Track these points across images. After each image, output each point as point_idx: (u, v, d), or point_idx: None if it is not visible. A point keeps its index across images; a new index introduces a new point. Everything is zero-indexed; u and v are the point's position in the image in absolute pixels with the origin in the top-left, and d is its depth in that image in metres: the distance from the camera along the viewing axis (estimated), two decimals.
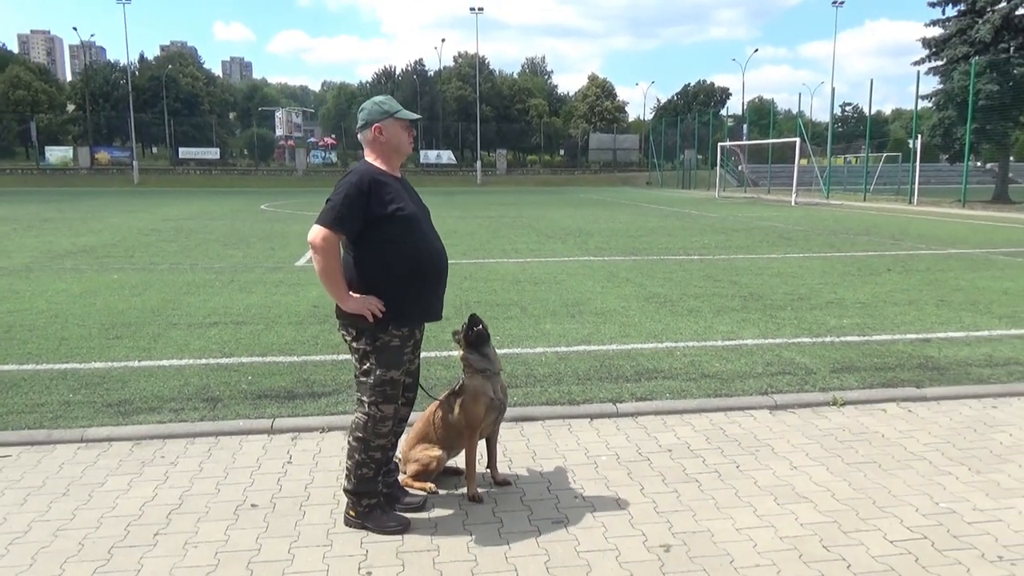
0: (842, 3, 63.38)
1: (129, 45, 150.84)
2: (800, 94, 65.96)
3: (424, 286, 3.40)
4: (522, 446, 4.35)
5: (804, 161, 47.75)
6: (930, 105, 33.76)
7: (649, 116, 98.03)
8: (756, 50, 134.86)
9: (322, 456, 4.20)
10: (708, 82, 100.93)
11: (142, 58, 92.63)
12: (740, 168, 55.49)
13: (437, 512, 3.54)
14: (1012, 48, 29.53)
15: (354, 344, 3.31)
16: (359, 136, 3.43)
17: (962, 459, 4.11)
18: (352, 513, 3.38)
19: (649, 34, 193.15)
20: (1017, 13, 29.67)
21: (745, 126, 60.78)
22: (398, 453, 3.80)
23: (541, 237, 16.89)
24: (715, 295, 9.11)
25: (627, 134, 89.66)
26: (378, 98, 3.44)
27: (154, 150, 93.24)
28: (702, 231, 18.78)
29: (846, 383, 5.45)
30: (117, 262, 12.30)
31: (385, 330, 3.27)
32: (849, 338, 6.85)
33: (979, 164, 52.76)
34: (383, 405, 3.32)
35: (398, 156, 3.45)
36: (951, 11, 32.52)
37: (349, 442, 3.38)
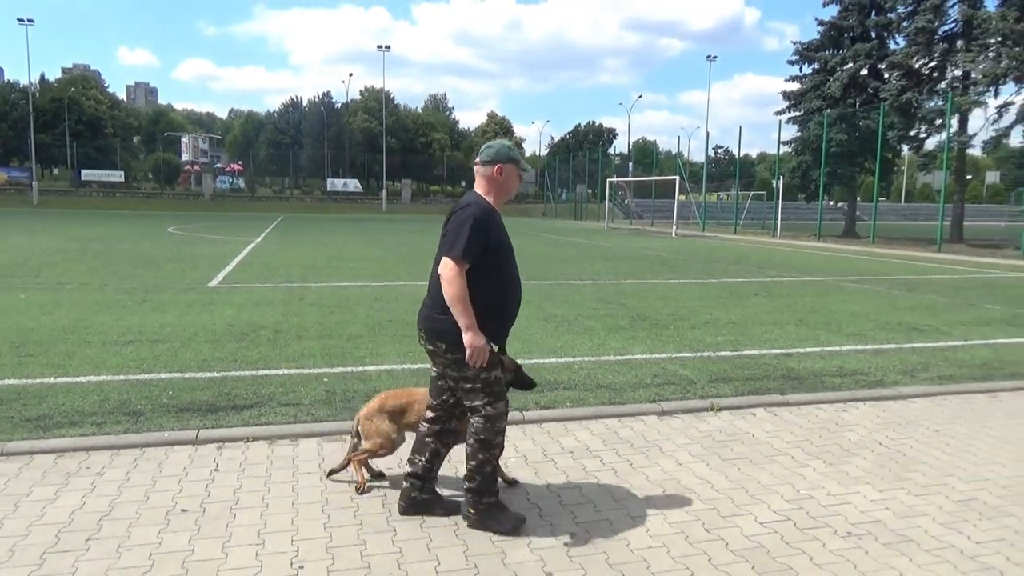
0: (715, 58, 67.31)
1: (31, 66, 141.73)
2: (679, 137, 69.60)
3: (510, 310, 3.55)
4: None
5: (683, 197, 49.90)
6: (790, 150, 36.08)
7: (544, 152, 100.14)
8: (640, 96, 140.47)
9: (248, 463, 4.20)
10: (597, 123, 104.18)
11: (43, 79, 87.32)
12: (627, 202, 57.42)
13: (366, 512, 3.62)
14: (857, 103, 32.03)
15: (450, 356, 3.33)
16: (479, 168, 3.52)
17: (818, 454, 4.53)
18: (472, 510, 3.43)
19: (543, 77, 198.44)
20: (861, 73, 32.25)
21: (631, 164, 63.10)
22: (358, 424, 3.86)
23: None
24: (607, 316, 9.50)
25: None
26: (507, 142, 3.60)
27: (55, 171, 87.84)
28: (593, 258, 19.40)
29: (722, 391, 5.86)
30: (23, 281, 11.63)
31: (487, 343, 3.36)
32: (723, 353, 7.33)
33: (832, 203, 56.52)
34: (496, 403, 3.39)
35: (505, 196, 3.58)
36: (807, 69, 34.97)
37: (470, 444, 3.40)
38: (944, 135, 27.50)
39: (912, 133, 30.34)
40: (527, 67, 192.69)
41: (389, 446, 3.87)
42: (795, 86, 35.17)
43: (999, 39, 25.01)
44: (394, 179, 79.46)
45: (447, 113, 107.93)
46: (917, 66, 30.08)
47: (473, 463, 3.41)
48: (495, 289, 3.40)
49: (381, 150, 70.59)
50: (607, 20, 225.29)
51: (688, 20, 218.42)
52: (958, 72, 28.32)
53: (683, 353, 7.28)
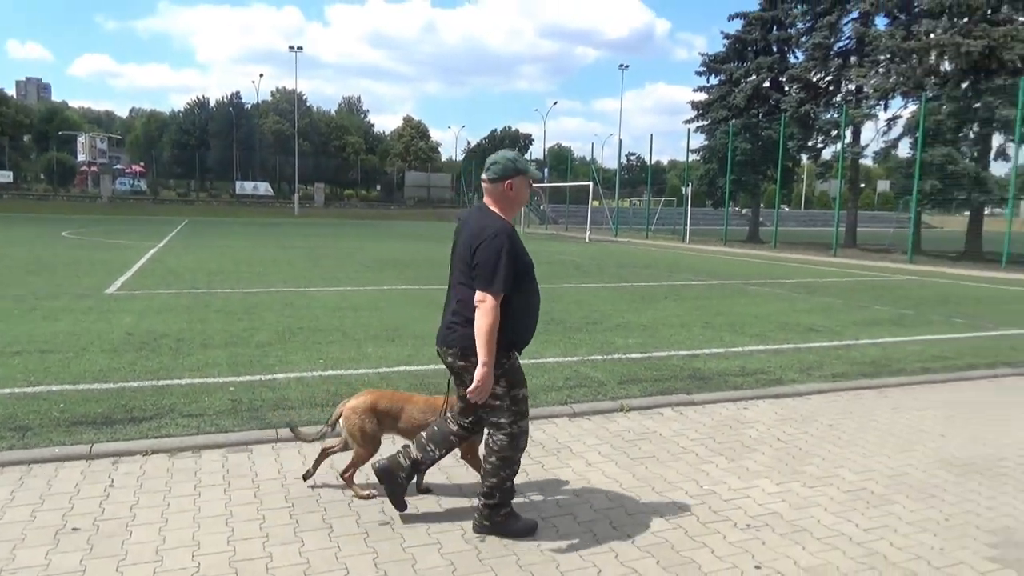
0: (627, 67, 68.82)
1: None
2: (592, 143, 70.65)
3: (534, 319, 3.50)
4: (347, 459, 4.40)
5: (597, 203, 50.94)
6: (698, 158, 37.42)
7: (461, 157, 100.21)
8: (555, 103, 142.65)
9: (147, 478, 4.03)
10: (514, 128, 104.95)
11: None
12: (542, 207, 58.08)
13: (272, 523, 3.54)
14: (760, 114, 33.50)
15: (472, 368, 3.27)
16: (487, 185, 3.47)
17: (720, 450, 4.71)
18: (488, 523, 3.40)
19: (459, 82, 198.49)
20: (764, 86, 33.74)
21: (546, 170, 63.91)
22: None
23: (360, 267, 16.80)
24: None
25: (441, 173, 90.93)
26: (510, 154, 3.50)
27: None
28: None
29: (631, 392, 6.01)
30: None
31: (508, 356, 3.35)
32: (633, 355, 7.52)
33: (737, 209, 58.79)
34: (521, 421, 3.41)
35: (518, 208, 3.55)
36: (714, 80, 36.37)
37: (491, 461, 3.38)
38: (839, 146, 29.10)
39: (810, 143, 31.98)
40: (443, 71, 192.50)
41: (374, 451, 3.78)
42: (703, 96, 36.53)
43: (888, 56, 26.67)
44: (307, 183, 77.75)
45: (362, 116, 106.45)
46: (815, 80, 31.70)
47: (494, 480, 3.39)
48: (522, 306, 3.39)
49: (293, 153, 68.97)
50: (524, 27, 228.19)
51: (603, 29, 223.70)
52: (852, 86, 30.02)
53: (595, 356, 7.42)
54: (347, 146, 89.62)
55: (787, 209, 75.04)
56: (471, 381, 3.26)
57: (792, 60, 33.78)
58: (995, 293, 14.89)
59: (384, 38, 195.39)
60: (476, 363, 3.24)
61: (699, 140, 37.03)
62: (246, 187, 74.85)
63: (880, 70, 27.38)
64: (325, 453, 3.96)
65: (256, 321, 8.85)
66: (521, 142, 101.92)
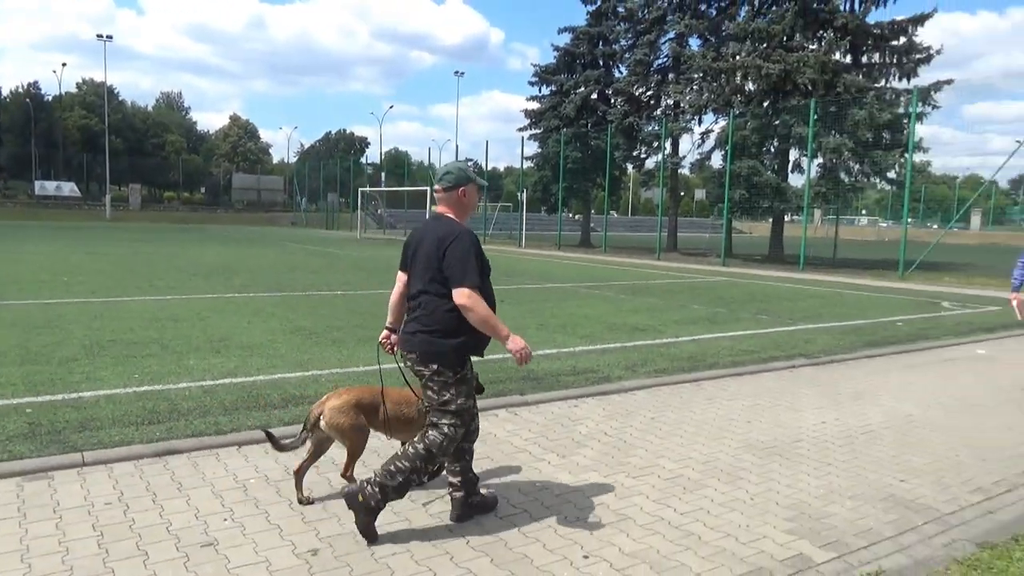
0: (463, 74, 69.56)
1: None
2: (430, 148, 70.71)
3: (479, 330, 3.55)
4: (166, 479, 4.12)
5: (435, 208, 50.89)
6: (532, 165, 38.57)
7: (293, 159, 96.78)
8: (392, 106, 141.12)
9: None
10: (349, 131, 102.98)
11: None
12: (379, 212, 57.36)
13: (78, 555, 3.23)
14: (589, 124, 35.11)
15: (437, 377, 3.48)
16: (441, 194, 3.67)
17: (552, 448, 4.88)
18: (362, 497, 3.40)
19: (291, 81, 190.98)
20: (592, 97, 35.39)
21: (383, 174, 63.13)
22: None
23: (182, 274, 15.75)
24: (358, 326, 9.42)
25: (271, 175, 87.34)
26: (460, 164, 3.76)
27: None
28: (345, 269, 19.12)
29: None
30: None
31: (464, 365, 3.54)
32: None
33: (570, 215, 61.16)
34: (459, 428, 3.55)
35: (470, 214, 3.78)
36: (546, 90, 37.68)
37: (417, 451, 3.47)
38: (660, 156, 31.10)
39: (635, 153, 33.95)
40: (273, 69, 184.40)
41: (365, 442, 3.89)
42: (535, 105, 37.71)
43: (701, 75, 28.86)
44: (121, 184, 71.84)
45: (183, 113, 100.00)
46: (637, 94, 33.69)
47: (406, 464, 3.46)
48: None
49: (104, 150, 63.37)
50: (358, 28, 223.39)
51: (438, 35, 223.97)
52: (670, 101, 32.20)
53: None
54: (167, 144, 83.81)
55: (616, 215, 79.09)
56: (425, 385, 3.55)
57: (617, 74, 35.73)
58: (794, 292, 16.53)
59: (208, 31, 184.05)
60: (433, 369, 3.49)
61: (533, 148, 38.20)
62: (48, 187, 67.88)
63: (694, 87, 29.59)
64: (300, 472, 3.91)
65: (59, 335, 8.05)
66: (357, 145, 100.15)
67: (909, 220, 24.30)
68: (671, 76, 32.13)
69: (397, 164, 71.58)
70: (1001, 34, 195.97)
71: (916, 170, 23.55)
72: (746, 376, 7.31)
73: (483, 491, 3.86)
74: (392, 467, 3.45)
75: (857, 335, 10.15)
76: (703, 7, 30.63)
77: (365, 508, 3.41)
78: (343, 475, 3.97)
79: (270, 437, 3.92)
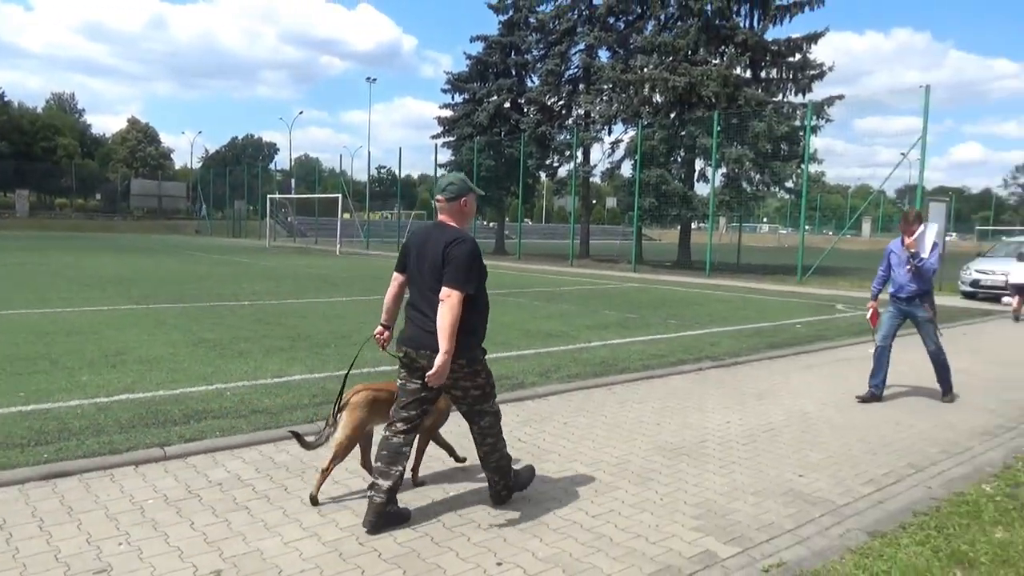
0: (375, 80, 68.79)
1: None
2: (341, 155, 69.55)
3: (486, 323, 3.99)
4: (54, 503, 3.87)
5: (347, 215, 50.23)
6: (446, 173, 38.46)
7: (197, 165, 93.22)
8: (301, 112, 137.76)
9: None
10: (257, 136, 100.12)
11: None
12: (289, 219, 55.99)
13: None
14: (503, 132, 35.32)
15: (467, 370, 3.80)
16: (444, 204, 3.89)
17: (466, 456, 4.86)
18: (505, 492, 4.02)
19: (194, 84, 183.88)
20: (505, 106, 35.65)
21: (293, 181, 61.66)
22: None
23: (76, 285, 14.89)
24: (265, 337, 9.14)
25: (174, 181, 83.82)
26: (460, 175, 3.98)
27: None
28: (253, 278, 18.54)
29: None
30: None
31: (479, 359, 3.88)
32: (383, 368, 7.46)
33: (485, 223, 61.33)
34: (495, 401, 4.03)
35: (469, 222, 4.04)
36: (459, 98, 37.70)
37: (488, 443, 3.94)
38: (572, 165, 31.62)
39: (548, 162, 34.39)
40: (175, 72, 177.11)
41: (354, 445, 4.03)
42: (448, 113, 37.66)
43: (610, 86, 29.54)
44: (6, 189, 67.37)
45: (76, 116, 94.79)
46: (549, 103, 34.16)
47: (498, 454, 3.95)
48: (482, 307, 3.89)
49: None
50: (265, 31, 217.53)
51: (349, 40, 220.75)
52: (581, 111, 32.80)
53: (343, 371, 7.26)
54: (58, 148, 79.16)
55: (530, 223, 79.81)
56: (453, 380, 3.76)
57: (529, 84, 36.14)
58: (701, 296, 17.10)
59: (103, 30, 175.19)
60: (460, 364, 3.72)
61: (447, 155, 38.10)
62: None
63: (604, 98, 30.25)
64: (325, 473, 4.00)
65: None
66: (265, 151, 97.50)
67: (806, 227, 25.55)
68: (582, 87, 32.77)
69: (308, 171, 70.07)
70: (886, 53, 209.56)
71: (812, 180, 24.82)
72: (656, 379, 7.50)
73: (397, 504, 3.82)
74: (494, 466, 3.97)
75: (760, 337, 10.58)
76: (612, 20, 31.37)
77: (499, 497, 4.01)
78: (323, 470, 3.98)
79: (297, 437, 4.04)
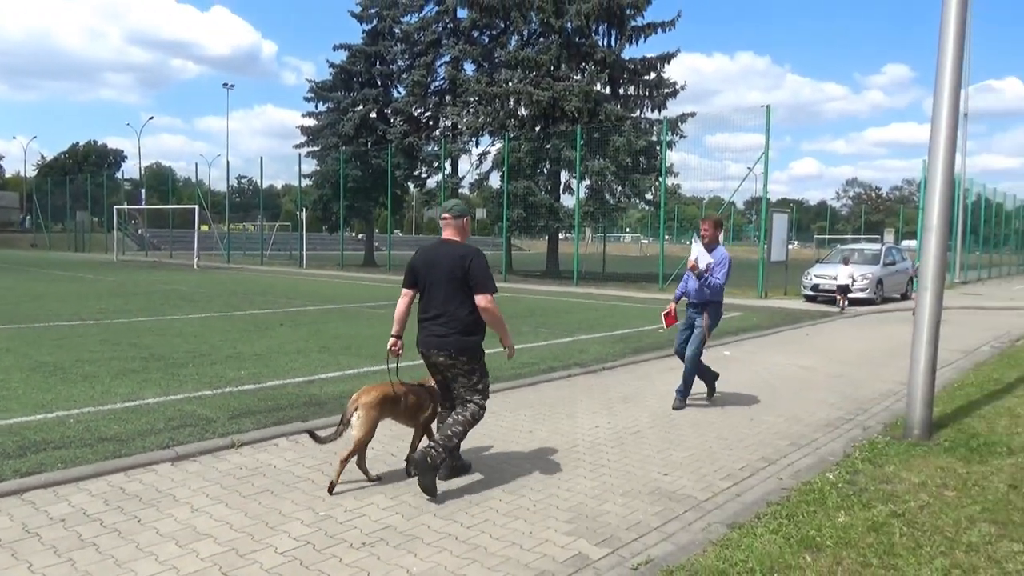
0: (233, 86, 65.83)
1: None
2: (197, 164, 65.87)
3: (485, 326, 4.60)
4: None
5: (205, 227, 47.73)
6: (311, 183, 37.38)
7: (32, 173, 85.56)
8: (151, 117, 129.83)
9: None
10: (101, 143, 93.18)
11: None
12: (140, 232, 52.50)
13: None
14: (369, 143, 34.81)
15: (467, 366, 4.50)
16: (451, 221, 4.62)
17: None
18: (429, 460, 4.28)
19: (27, 85, 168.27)
20: (371, 116, 35.17)
21: (143, 191, 57.77)
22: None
23: None
24: (113, 358, 8.50)
25: (5, 191, 76.51)
26: (459, 199, 4.49)
27: None
28: (99, 295, 17.21)
29: (243, 426, 5.71)
30: None
31: (479, 357, 4.58)
32: (246, 387, 7.17)
33: (353, 234, 60.10)
34: (485, 401, 4.64)
35: (467, 238, 4.74)
36: (322, 107, 36.77)
37: (458, 423, 4.46)
38: (441, 176, 31.63)
39: (416, 173, 34.19)
40: (5, 71, 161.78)
41: (371, 438, 4.50)
42: (312, 122, 36.65)
43: (476, 98, 29.84)
44: None
45: None
46: (416, 114, 34.06)
47: (459, 430, 4.47)
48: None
49: None
50: (108, 30, 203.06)
51: (203, 43, 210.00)
52: (448, 123, 32.90)
53: (202, 391, 6.90)
54: None
55: (400, 234, 79.05)
56: (453, 374, 4.52)
57: (395, 94, 35.82)
58: (569, 305, 17.54)
59: None
60: (463, 361, 4.48)
61: (312, 165, 37.02)
62: None
63: (471, 110, 30.51)
64: (347, 460, 4.43)
65: None
66: (111, 158, 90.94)
67: (666, 237, 26.83)
68: (448, 98, 32.90)
69: (160, 180, 65.76)
70: (732, 74, 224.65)
71: (669, 192, 26.08)
72: (527, 388, 7.61)
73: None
74: (448, 433, 4.41)
75: (625, 343, 10.98)
76: (476, 34, 31.71)
77: (432, 467, 4.29)
78: (343, 460, 4.41)
79: (311, 434, 4.51)
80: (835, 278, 18.25)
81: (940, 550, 3.60)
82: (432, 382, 4.80)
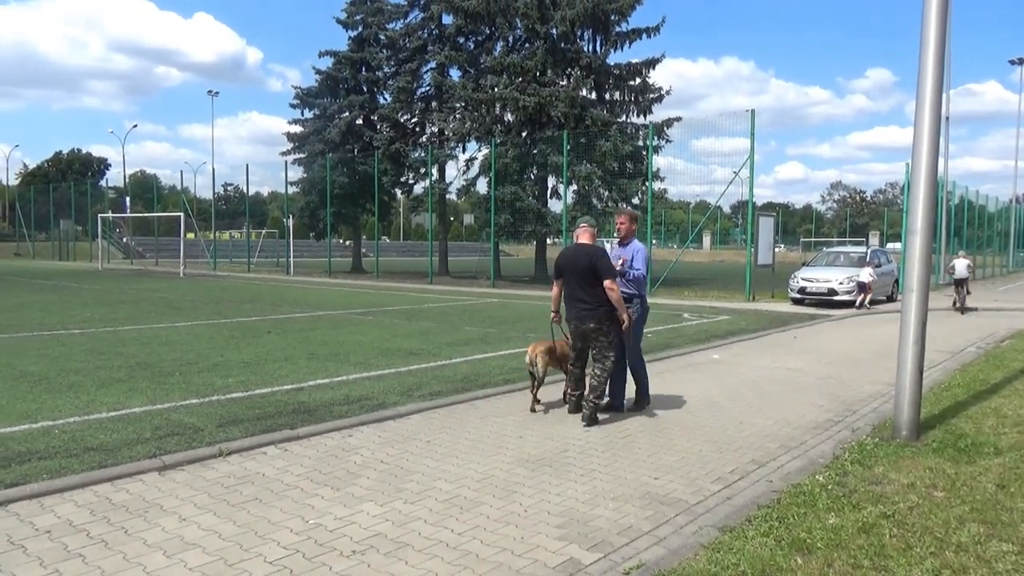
0: (217, 94, 65.65)
1: None
2: (182, 171, 65.51)
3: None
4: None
5: (191, 235, 47.43)
6: (298, 190, 37.24)
7: (15, 181, 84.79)
8: (135, 125, 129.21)
9: None
10: (84, 151, 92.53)
11: None
12: (125, 240, 52.11)
13: None
14: (356, 149, 34.73)
15: (605, 327, 6.30)
16: (588, 229, 6.53)
17: (326, 481, 4.69)
18: (594, 416, 6.35)
19: (9, 93, 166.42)
20: (357, 122, 35.11)
21: (128, 198, 57.36)
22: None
23: None
24: (99, 368, 8.42)
25: None
26: (591, 216, 7.82)
27: None
28: (84, 304, 17.05)
29: (231, 435, 5.66)
30: None
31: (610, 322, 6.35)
32: (234, 394, 7.11)
33: (341, 241, 59.85)
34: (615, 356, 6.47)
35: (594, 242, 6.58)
36: (308, 114, 36.65)
37: (598, 375, 6.36)
38: (428, 182, 31.59)
39: (403, 179, 34.10)
40: None
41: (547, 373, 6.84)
42: (298, 129, 36.52)
43: (463, 104, 29.84)
44: None
45: None
46: (402, 120, 33.99)
47: (603, 380, 6.38)
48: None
49: None
50: (91, 38, 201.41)
51: (187, 51, 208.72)
52: (435, 128, 32.86)
53: (190, 400, 6.84)
54: None
55: (387, 240, 78.88)
56: (597, 337, 6.34)
57: (381, 101, 35.74)
58: None
59: None
60: (606, 327, 6.29)
61: (298, 172, 36.84)
62: None
63: (457, 116, 30.50)
64: (534, 392, 6.87)
65: None
66: (95, 167, 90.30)
67: (653, 241, 26.92)
68: (434, 104, 32.84)
69: (145, 188, 65.29)
70: (718, 79, 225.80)
71: (656, 196, 26.15)
72: (517, 393, 7.59)
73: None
74: (595, 385, 6.34)
75: None
76: (461, 40, 31.71)
77: (593, 417, 6.33)
78: (534, 394, 6.81)
79: (534, 374, 6.83)
80: (827, 282, 18.65)
81: (930, 551, 3.62)
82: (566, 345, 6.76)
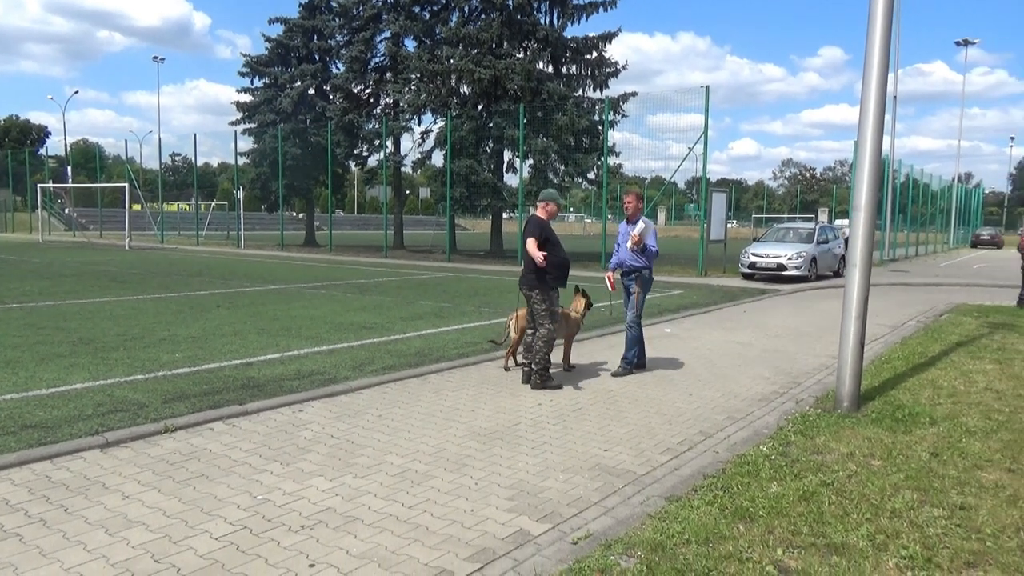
0: (163, 60, 63.44)
1: None
2: (127, 140, 63.43)
3: (563, 269, 6.81)
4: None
5: (137, 206, 46.08)
6: (249, 161, 36.37)
7: None
8: (76, 91, 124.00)
9: None
10: (23, 118, 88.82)
11: None
12: (67, 211, 50.37)
13: None
14: (308, 120, 34.00)
15: (537, 296, 6.69)
16: (539, 203, 7.01)
17: (275, 457, 4.64)
18: (539, 381, 6.61)
19: None
20: (310, 92, 34.34)
21: (69, 168, 55.33)
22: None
23: None
24: (39, 343, 8.16)
25: None
26: (553, 191, 7.10)
27: None
28: (23, 277, 16.48)
29: (177, 411, 5.56)
30: None
31: (551, 288, 6.80)
32: (181, 370, 6.98)
33: (294, 213, 58.79)
34: (552, 324, 6.70)
35: (553, 217, 7.00)
36: (259, 83, 35.68)
37: (539, 345, 6.62)
38: (382, 154, 31.17)
39: (357, 151, 33.55)
40: None
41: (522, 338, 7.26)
42: (248, 98, 35.54)
43: (418, 75, 29.40)
44: None
45: None
46: (356, 91, 33.35)
47: (540, 355, 6.59)
48: (553, 257, 6.61)
49: None
50: None
51: (130, 14, 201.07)
52: (389, 100, 32.34)
53: (134, 376, 6.69)
54: None
55: (342, 213, 77.77)
56: (531, 303, 6.87)
57: (334, 70, 34.99)
58: (512, 284, 17.46)
59: None
60: (535, 294, 6.77)
61: (248, 143, 35.94)
62: None
63: (412, 87, 30.04)
64: (511, 352, 7.49)
65: None
66: (34, 134, 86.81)
67: (609, 216, 27.08)
68: (389, 75, 32.30)
69: (88, 157, 63.10)
70: (674, 55, 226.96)
71: (612, 172, 26.20)
72: (471, 367, 7.60)
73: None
74: (537, 349, 6.62)
75: None
76: (417, 9, 31.16)
77: (536, 381, 6.61)
78: (507, 352, 7.52)
79: (493, 342, 7.90)
80: (776, 258, 19.04)
81: (866, 517, 3.75)
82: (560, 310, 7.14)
